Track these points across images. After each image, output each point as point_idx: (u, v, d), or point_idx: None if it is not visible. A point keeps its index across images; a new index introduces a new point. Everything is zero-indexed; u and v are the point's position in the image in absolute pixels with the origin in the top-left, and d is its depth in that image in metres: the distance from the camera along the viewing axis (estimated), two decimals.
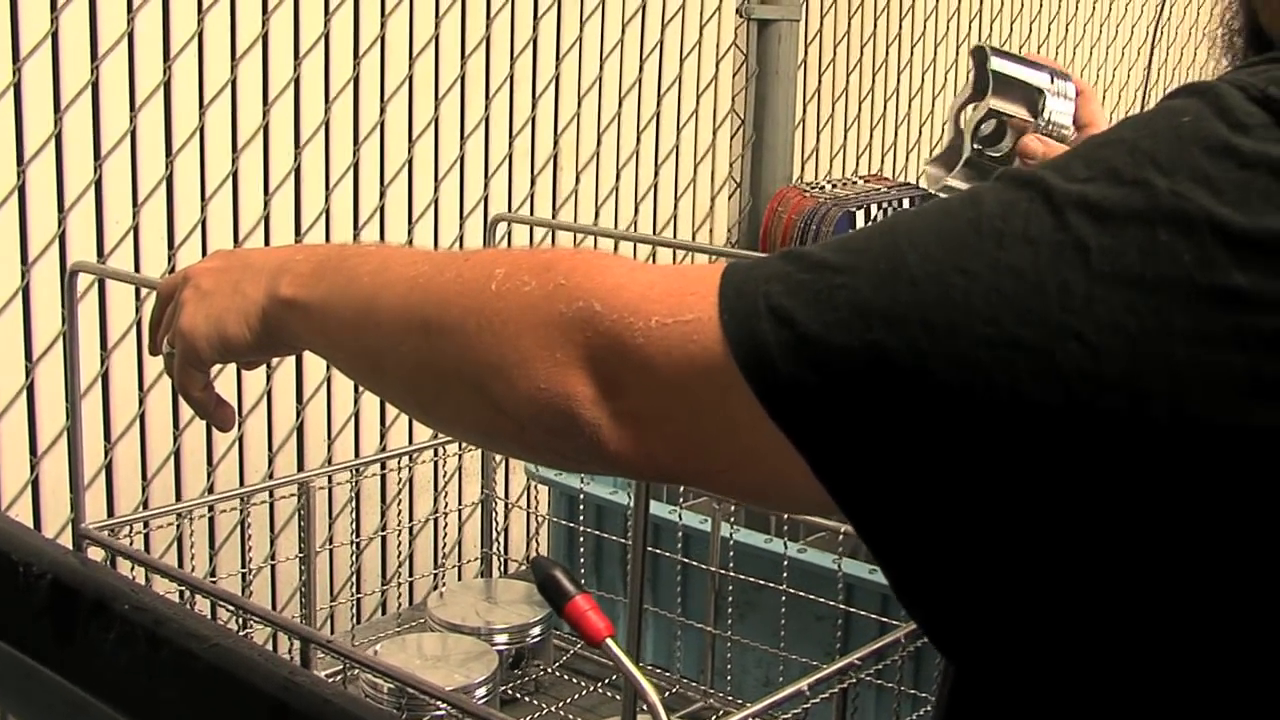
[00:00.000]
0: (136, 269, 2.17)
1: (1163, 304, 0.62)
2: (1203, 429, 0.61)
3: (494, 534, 2.14)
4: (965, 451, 0.64)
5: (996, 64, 1.30)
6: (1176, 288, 0.62)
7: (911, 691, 1.64)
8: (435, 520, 2.52)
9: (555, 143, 2.80)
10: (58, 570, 1.38)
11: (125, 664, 1.30)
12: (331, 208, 2.44)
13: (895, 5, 3.57)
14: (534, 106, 2.75)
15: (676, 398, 0.73)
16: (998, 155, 1.36)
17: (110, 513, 2.14)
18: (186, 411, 2.24)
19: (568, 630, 1.89)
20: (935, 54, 3.73)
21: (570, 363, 0.75)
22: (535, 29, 2.73)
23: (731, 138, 3.22)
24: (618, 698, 1.76)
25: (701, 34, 3.06)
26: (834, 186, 3.24)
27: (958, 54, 3.78)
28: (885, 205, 3.20)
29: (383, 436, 2.55)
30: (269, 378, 2.38)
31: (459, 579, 2.38)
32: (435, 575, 2.50)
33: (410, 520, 2.46)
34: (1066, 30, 4.14)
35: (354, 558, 2.27)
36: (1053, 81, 1.34)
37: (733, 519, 1.85)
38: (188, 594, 1.62)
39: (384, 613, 2.39)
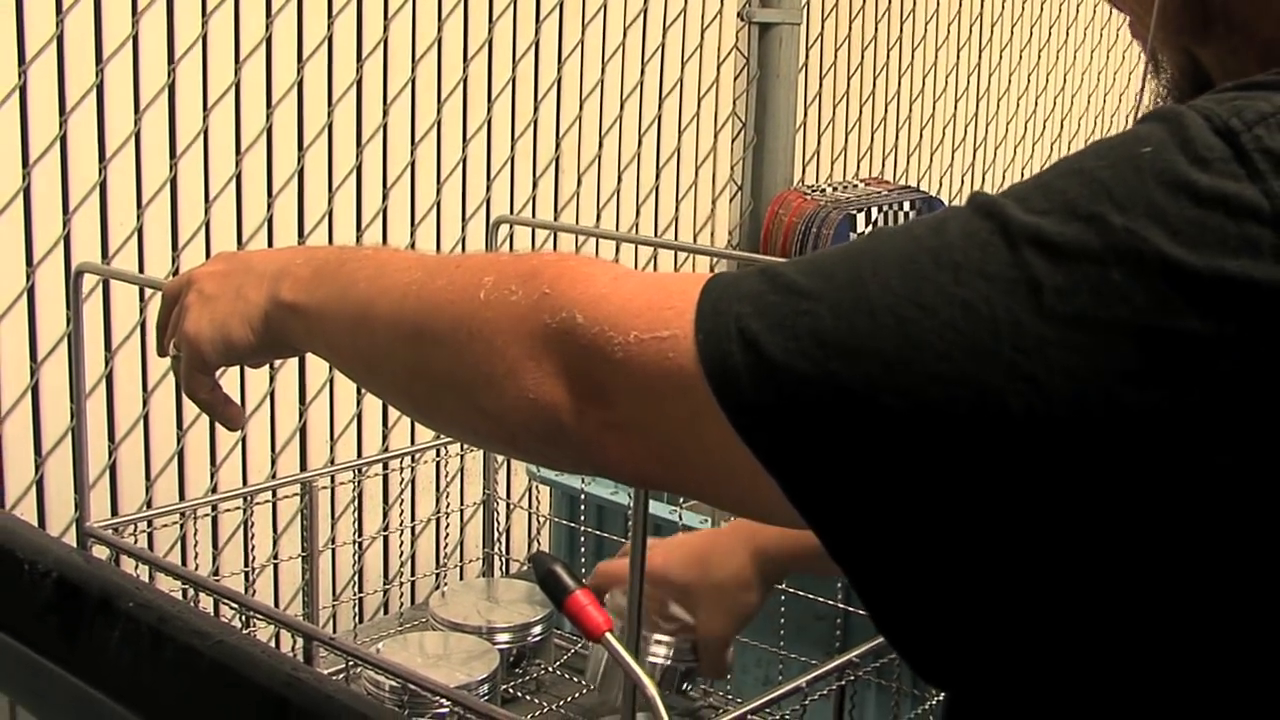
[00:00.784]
0: (141, 270, 2.19)
1: (1115, 347, 0.61)
2: (1157, 472, 0.61)
3: (496, 534, 2.14)
4: (920, 482, 0.65)
5: None
6: (1128, 331, 0.61)
7: (912, 691, 1.65)
8: (437, 520, 2.53)
9: (557, 146, 2.82)
10: (63, 568, 1.39)
11: (130, 660, 1.31)
12: (335, 210, 2.45)
13: (896, 9, 3.58)
14: (536, 110, 2.76)
15: (655, 412, 0.74)
16: None
17: (114, 512, 2.16)
18: (190, 411, 2.26)
19: (569, 630, 1.90)
20: (936, 58, 3.74)
21: (555, 373, 0.77)
22: (537, 33, 2.74)
23: (733, 141, 3.23)
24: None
25: (703, 37, 3.08)
26: (835, 189, 3.25)
27: (959, 58, 3.79)
28: (886, 208, 3.21)
29: (385, 438, 2.56)
30: (272, 379, 2.39)
31: (461, 579, 2.38)
32: (437, 575, 2.51)
33: (413, 520, 2.48)
34: (1067, 34, 4.15)
35: (355, 558, 2.28)
36: None
37: (731, 517, 1.86)
38: (191, 593, 1.63)
39: (386, 612, 2.40)
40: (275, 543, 2.34)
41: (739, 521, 1.60)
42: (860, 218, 3.12)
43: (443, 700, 1.53)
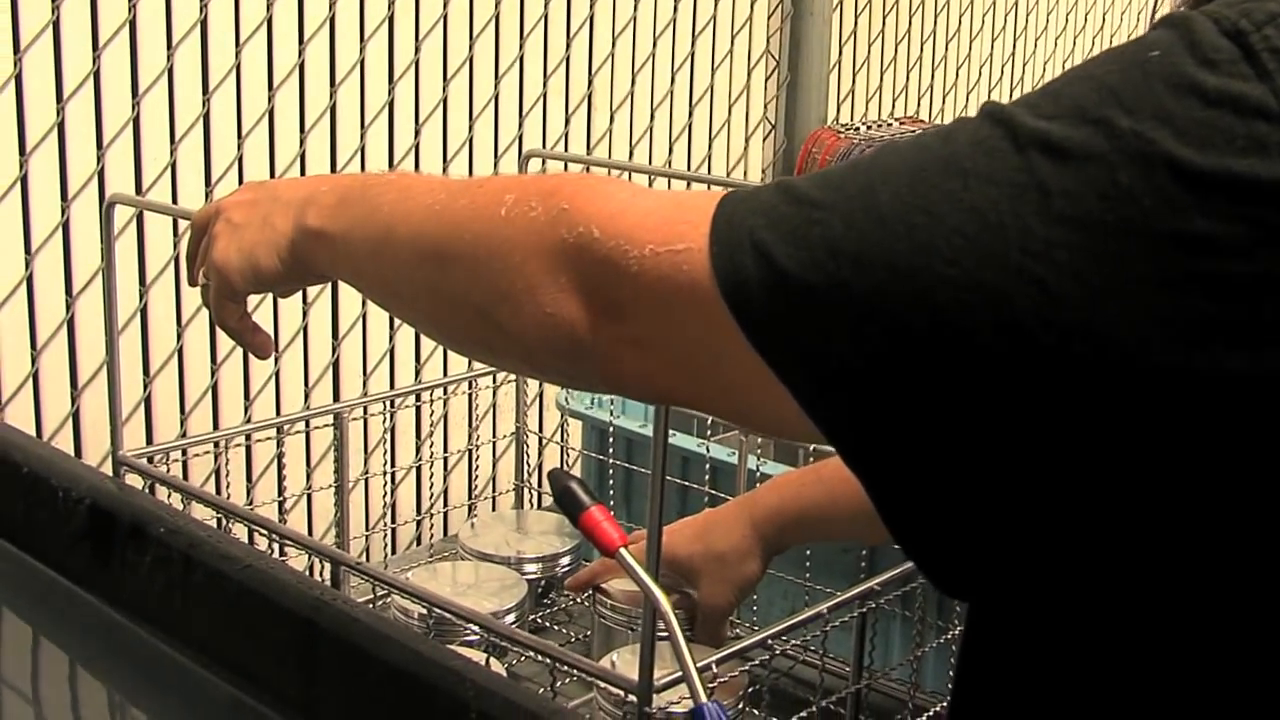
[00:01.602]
0: (174, 204, 2.20)
1: (1122, 250, 0.61)
2: (1166, 374, 0.61)
3: (526, 467, 2.16)
4: (931, 388, 0.65)
5: None
6: (1136, 233, 0.61)
7: (936, 622, 1.66)
8: (470, 454, 2.55)
9: (589, 82, 2.82)
10: (96, 495, 1.41)
11: (161, 586, 1.33)
12: (367, 145, 2.46)
13: None
14: (568, 46, 2.76)
15: (669, 325, 0.75)
16: None
17: (150, 444, 2.18)
18: (224, 345, 2.28)
19: (598, 558, 1.91)
20: None
21: (573, 289, 0.78)
22: None
23: (766, 79, 3.22)
24: None
25: None
26: (869, 128, 3.25)
27: None
28: None
29: (418, 373, 2.58)
30: (305, 313, 2.41)
31: (494, 511, 2.40)
32: (470, 508, 2.53)
33: (445, 452, 2.49)
34: None
35: (386, 490, 2.30)
36: None
37: (759, 451, 1.87)
38: (224, 522, 1.66)
39: (419, 545, 2.42)
40: (309, 476, 2.36)
41: (741, 497, 1.62)
42: None
43: (470, 627, 1.55)
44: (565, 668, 1.26)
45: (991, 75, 3.82)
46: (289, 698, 1.21)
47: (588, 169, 2.67)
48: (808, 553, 1.78)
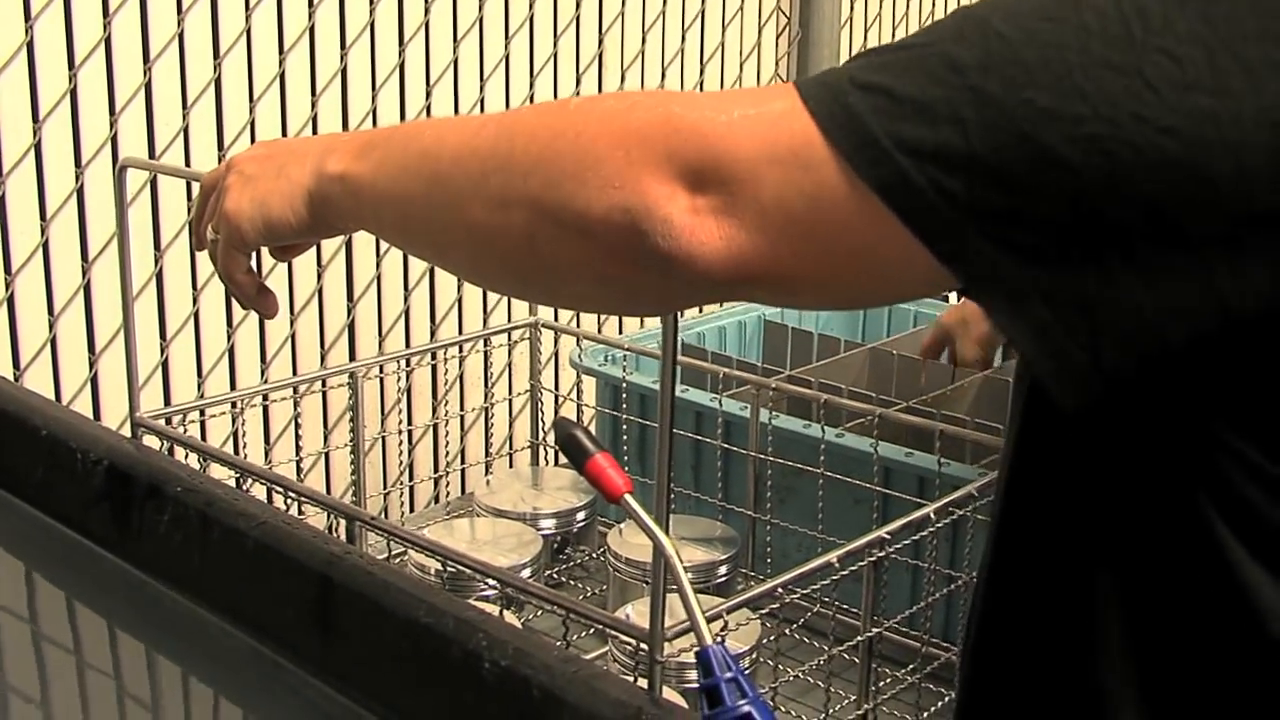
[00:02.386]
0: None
1: (1231, 12, 0.68)
2: (1277, 116, 0.67)
3: (541, 424, 2.18)
4: (1068, 170, 0.69)
5: None
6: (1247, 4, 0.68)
7: (947, 571, 1.68)
8: (486, 412, 2.57)
9: (600, 42, 2.82)
10: (113, 456, 1.43)
11: (178, 544, 1.35)
12: (378, 108, 2.47)
13: None
14: (578, 6, 2.77)
15: (761, 181, 0.74)
16: None
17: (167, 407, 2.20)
18: (240, 308, 2.29)
19: (613, 516, 1.93)
20: None
21: (646, 160, 0.76)
22: None
23: (778, 36, 3.22)
24: None
25: None
26: None
27: None
28: None
29: (433, 334, 2.59)
30: (320, 276, 2.42)
31: (510, 468, 2.42)
32: (486, 465, 2.55)
33: (462, 409, 2.51)
34: None
35: (402, 450, 2.31)
36: None
37: (771, 405, 1.88)
38: (242, 481, 1.68)
39: (438, 503, 2.44)
40: (326, 438, 2.38)
41: None
42: None
43: (486, 582, 1.57)
44: (578, 619, 1.27)
45: None
46: (305, 650, 1.22)
47: None
48: (820, 505, 1.79)
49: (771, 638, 1.64)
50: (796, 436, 1.85)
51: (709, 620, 1.21)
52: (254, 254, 1.16)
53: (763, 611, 1.48)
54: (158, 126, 2.20)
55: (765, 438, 1.87)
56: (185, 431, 1.73)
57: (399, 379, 2.28)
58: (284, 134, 2.35)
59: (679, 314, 1.16)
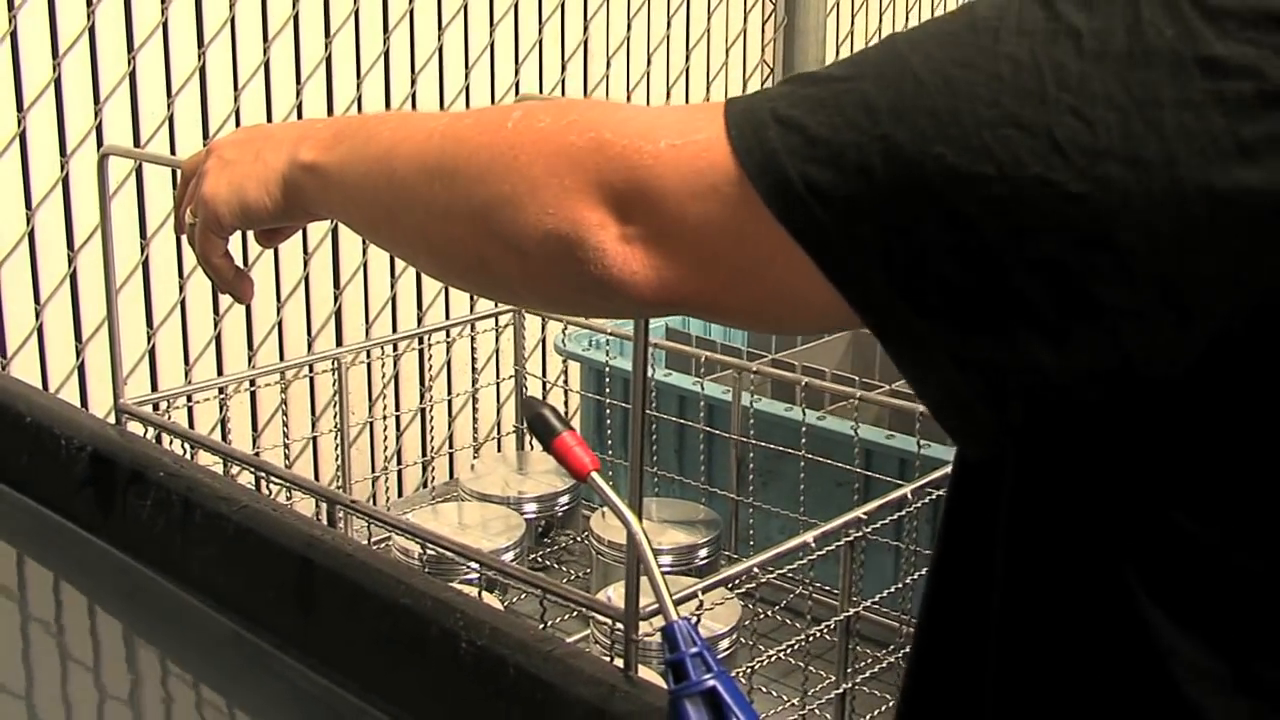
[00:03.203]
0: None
1: (1149, 76, 0.65)
2: (1192, 189, 0.65)
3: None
4: (973, 231, 0.67)
5: None
6: (1161, 59, 0.66)
7: (927, 551, 1.69)
8: (473, 397, 2.58)
9: (585, 28, 2.83)
10: (97, 442, 1.45)
11: (161, 528, 1.36)
12: (363, 95, 2.48)
13: None
14: None
15: (684, 216, 0.75)
16: None
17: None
18: (226, 296, 2.30)
19: (598, 499, 1.94)
20: None
21: (578, 188, 0.77)
22: None
23: (764, 22, 3.23)
24: None
25: None
26: None
27: None
28: None
29: (420, 321, 2.61)
30: (306, 262, 2.44)
31: (498, 453, 2.43)
32: (474, 450, 2.56)
33: (449, 394, 2.52)
34: None
35: (387, 434, 2.33)
36: None
37: (753, 389, 1.89)
38: (227, 467, 1.68)
39: (426, 488, 2.45)
40: (314, 424, 2.39)
41: None
42: None
43: (469, 565, 1.58)
44: (555, 600, 1.28)
45: None
46: (286, 631, 1.24)
47: None
48: (802, 488, 1.81)
49: (753, 619, 1.66)
50: (779, 420, 1.86)
51: (683, 600, 1.23)
52: (238, 238, 1.17)
53: (739, 591, 1.49)
54: (142, 115, 2.21)
55: (748, 421, 1.88)
56: (170, 418, 1.74)
57: (383, 364, 2.29)
58: (269, 121, 2.36)
59: None
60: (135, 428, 1.59)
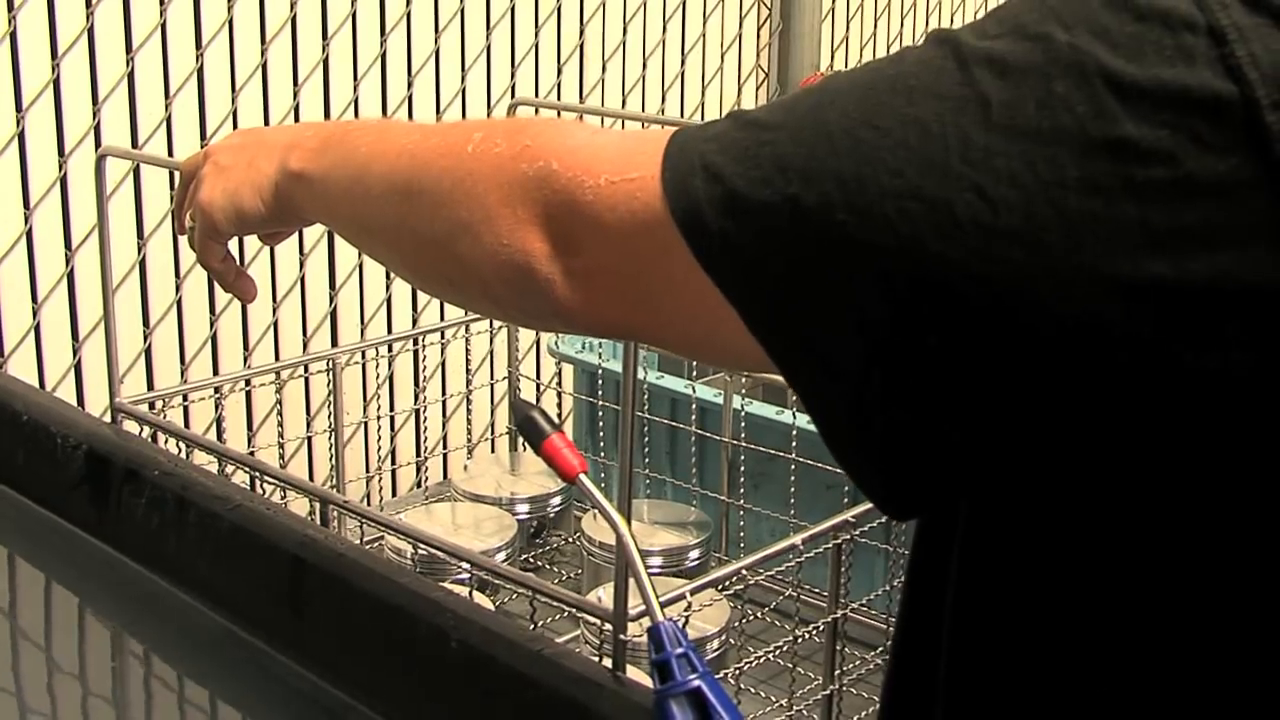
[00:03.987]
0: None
1: (1056, 155, 0.62)
2: (1097, 279, 0.62)
3: None
4: (874, 300, 0.66)
5: None
6: (1070, 139, 0.63)
7: None
8: (468, 399, 2.59)
9: (581, 32, 2.84)
10: (92, 441, 1.46)
11: (156, 526, 1.37)
12: (360, 97, 2.49)
13: None
14: None
15: (622, 254, 0.76)
16: None
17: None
18: (222, 296, 2.32)
19: (588, 503, 1.96)
20: None
21: (529, 220, 0.79)
22: None
23: (759, 27, 3.24)
24: None
25: None
26: None
27: None
28: None
29: (415, 322, 2.62)
30: (302, 264, 2.45)
31: (492, 454, 2.45)
32: (468, 451, 2.57)
33: (444, 395, 2.53)
34: None
35: (381, 435, 2.34)
36: None
37: (744, 392, 1.91)
38: (222, 466, 1.70)
39: (419, 489, 2.46)
40: (309, 424, 2.40)
41: None
42: None
43: (460, 565, 1.59)
44: (545, 600, 1.30)
45: None
46: (278, 630, 1.25)
47: (581, 118, 2.70)
48: (792, 490, 1.82)
49: (743, 620, 1.67)
50: (769, 423, 1.87)
51: (672, 601, 1.24)
52: (238, 239, 1.19)
53: (727, 593, 1.50)
54: (140, 116, 2.22)
55: (739, 424, 1.90)
56: (165, 417, 1.75)
57: (377, 365, 2.31)
58: (266, 124, 2.37)
59: None
60: (131, 427, 1.61)
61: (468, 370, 2.20)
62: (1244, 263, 0.61)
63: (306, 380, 2.39)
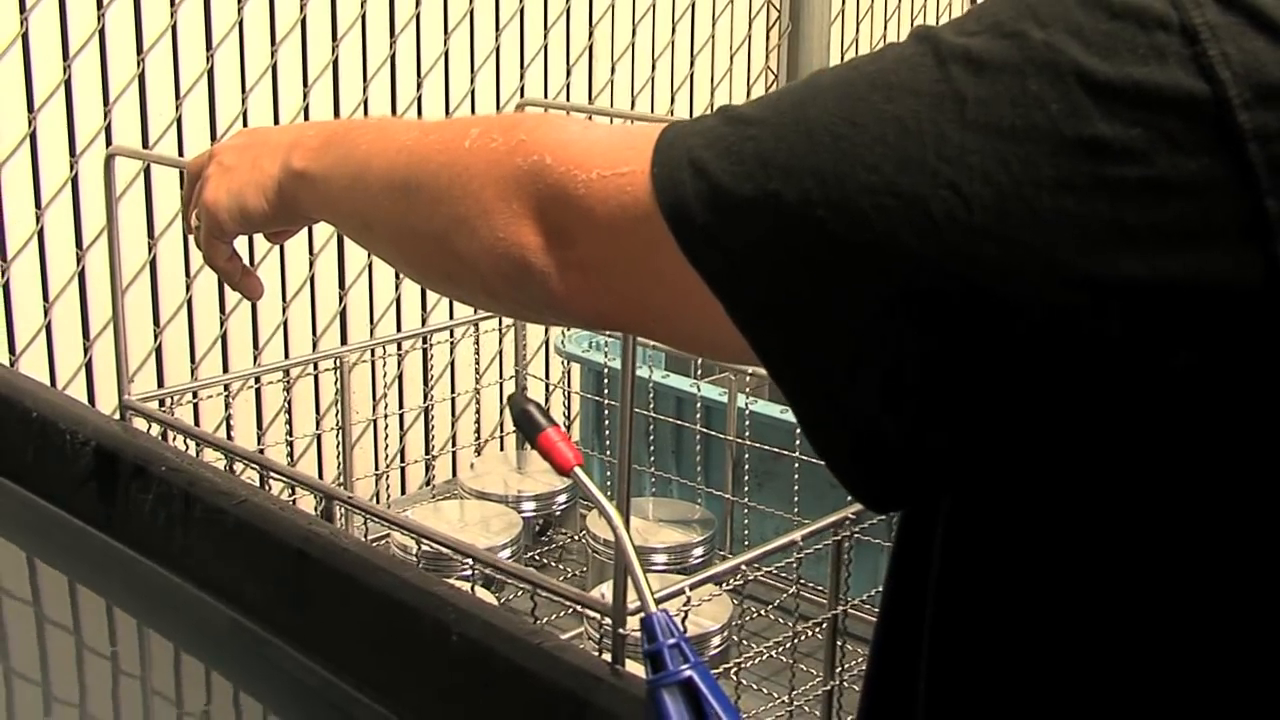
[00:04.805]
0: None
1: (1030, 154, 0.63)
2: (1071, 277, 0.62)
3: None
4: (855, 295, 0.67)
5: None
6: (1043, 137, 0.63)
7: None
8: (477, 397, 2.61)
9: (590, 34, 2.86)
10: (100, 437, 1.47)
11: (163, 521, 1.39)
12: (370, 99, 2.51)
13: None
14: None
15: (614, 247, 0.77)
16: None
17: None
18: (232, 295, 2.34)
19: (586, 498, 1.97)
20: None
21: (524, 214, 0.80)
22: None
23: (769, 29, 3.25)
24: None
25: None
26: None
27: None
28: None
29: (424, 321, 2.63)
30: (312, 263, 2.46)
31: (501, 452, 2.46)
32: (476, 450, 2.59)
33: (453, 393, 2.54)
34: None
35: (389, 433, 2.35)
36: None
37: (749, 391, 1.92)
38: (230, 463, 1.71)
39: (427, 487, 2.48)
40: (318, 423, 2.42)
41: None
42: None
43: (464, 562, 1.61)
44: (547, 596, 1.31)
45: None
46: (283, 623, 1.27)
47: (590, 119, 2.71)
48: (796, 488, 1.83)
49: (744, 618, 1.68)
50: (774, 421, 1.88)
51: (671, 596, 1.25)
52: (247, 237, 1.21)
53: (728, 589, 1.51)
54: (151, 117, 2.24)
55: (744, 422, 1.91)
56: (174, 415, 1.77)
57: (386, 364, 2.32)
58: (276, 124, 2.39)
59: None
60: (141, 424, 1.62)
61: (476, 369, 2.21)
62: (1216, 262, 0.61)
63: (315, 379, 2.40)
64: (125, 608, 1.40)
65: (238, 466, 1.59)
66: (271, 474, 1.56)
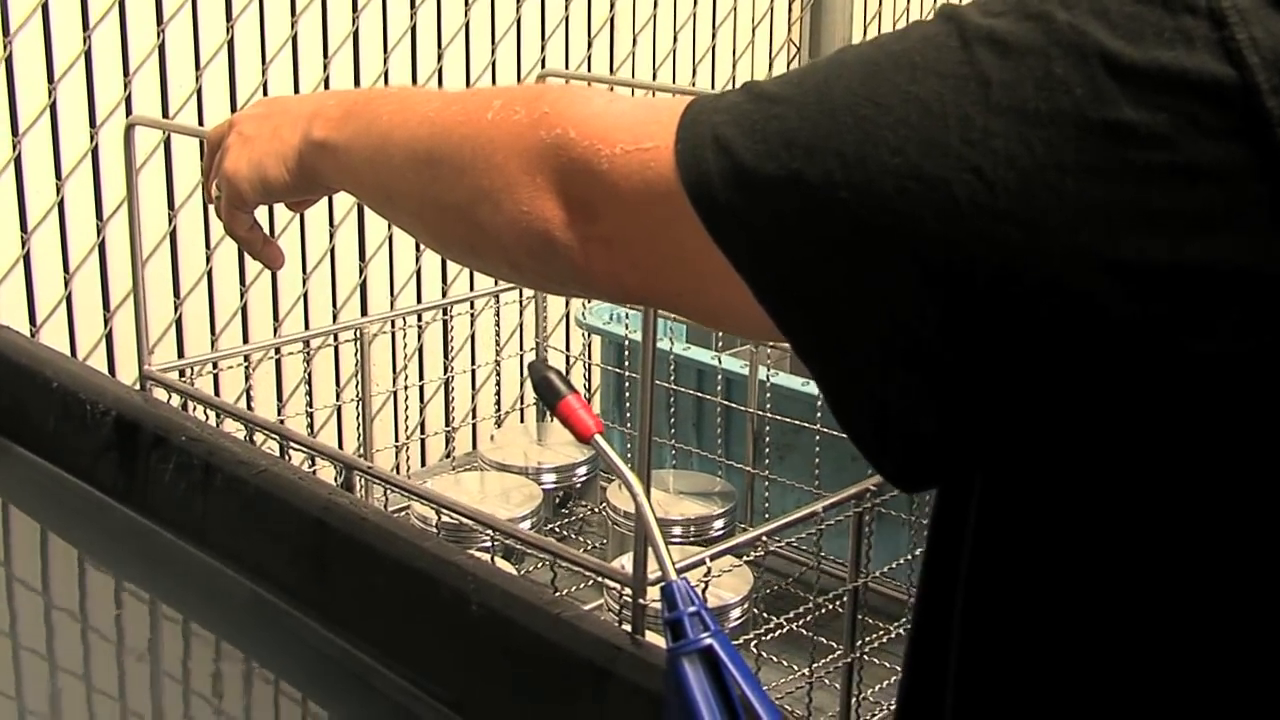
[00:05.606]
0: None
1: (1054, 137, 0.63)
2: (1095, 261, 0.62)
3: None
4: (877, 275, 0.67)
5: None
6: (1068, 121, 0.62)
7: None
8: (498, 369, 2.60)
9: (612, 5, 2.85)
10: (121, 407, 1.47)
11: (183, 491, 1.39)
12: (390, 70, 2.50)
13: None
14: None
15: (637, 223, 0.77)
16: None
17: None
18: (252, 266, 2.34)
19: (606, 467, 1.97)
20: None
21: (547, 188, 0.80)
22: None
23: (791, 1, 3.24)
24: None
25: None
26: None
27: None
28: None
29: (444, 293, 2.63)
30: (332, 234, 2.46)
31: (521, 424, 2.46)
32: (496, 421, 2.58)
33: (473, 364, 2.54)
34: None
35: (409, 405, 2.35)
36: None
37: (770, 363, 1.91)
38: (250, 433, 1.71)
39: (448, 458, 2.48)
40: (339, 394, 2.42)
41: None
42: None
43: (484, 532, 1.61)
44: (566, 566, 1.31)
45: None
46: (302, 592, 1.27)
47: (611, 89, 2.70)
48: (817, 462, 1.83)
49: (765, 590, 1.68)
50: (795, 394, 1.88)
51: (691, 566, 1.25)
52: (268, 207, 1.21)
53: (748, 560, 1.51)
54: (171, 88, 2.24)
55: (764, 395, 1.90)
56: (194, 385, 1.77)
57: (406, 335, 2.32)
58: (296, 94, 2.38)
59: None
60: (161, 395, 1.62)
61: (497, 341, 2.21)
62: (1242, 247, 0.61)
63: (336, 350, 2.40)
64: (145, 577, 1.40)
65: (258, 437, 1.59)
66: (291, 444, 1.56)
